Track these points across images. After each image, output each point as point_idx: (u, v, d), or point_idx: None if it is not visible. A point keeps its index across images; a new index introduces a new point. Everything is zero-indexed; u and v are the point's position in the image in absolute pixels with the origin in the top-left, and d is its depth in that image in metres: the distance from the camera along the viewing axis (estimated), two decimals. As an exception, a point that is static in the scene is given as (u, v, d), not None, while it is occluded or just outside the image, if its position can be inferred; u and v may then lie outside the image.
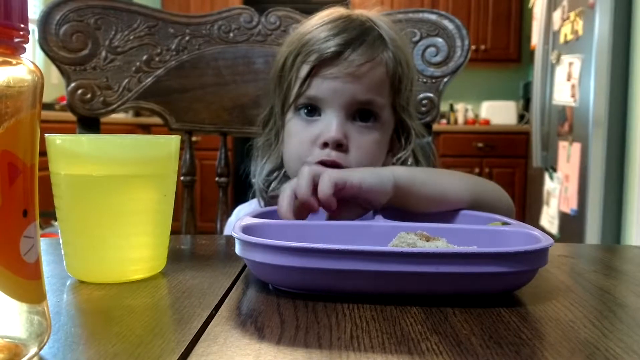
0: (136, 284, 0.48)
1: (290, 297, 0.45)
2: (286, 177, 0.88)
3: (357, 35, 0.79)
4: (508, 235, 0.54)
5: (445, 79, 1.03)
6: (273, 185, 0.88)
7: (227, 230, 0.96)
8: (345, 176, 0.62)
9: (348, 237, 0.56)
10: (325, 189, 0.60)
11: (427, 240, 0.52)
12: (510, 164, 4.15)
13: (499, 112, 4.47)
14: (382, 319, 0.40)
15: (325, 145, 0.77)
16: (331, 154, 0.77)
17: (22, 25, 0.32)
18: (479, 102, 4.65)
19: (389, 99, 0.82)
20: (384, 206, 0.66)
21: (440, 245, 0.51)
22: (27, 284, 0.31)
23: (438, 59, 1.03)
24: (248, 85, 1.06)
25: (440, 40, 1.03)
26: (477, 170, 4.12)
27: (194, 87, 1.05)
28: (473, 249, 0.46)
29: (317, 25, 0.82)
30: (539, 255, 0.45)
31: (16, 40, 0.32)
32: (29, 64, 0.33)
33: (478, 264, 0.43)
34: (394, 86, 0.82)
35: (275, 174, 0.89)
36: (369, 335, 0.37)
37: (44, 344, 0.32)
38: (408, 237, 0.52)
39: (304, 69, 0.80)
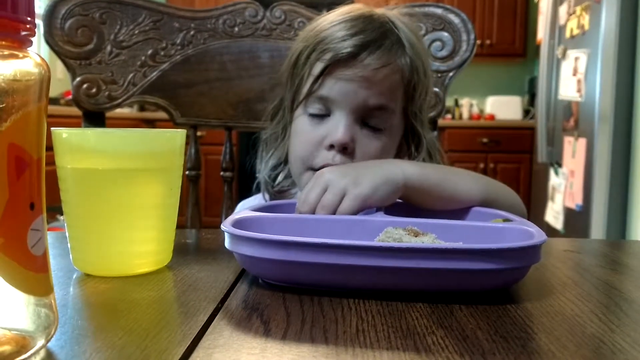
0: (142, 278, 0.49)
1: (296, 291, 0.45)
2: (290, 174, 0.87)
3: (376, 37, 0.77)
4: (502, 231, 0.53)
5: (451, 74, 1.03)
6: (279, 179, 0.88)
7: None
8: (366, 200, 0.62)
9: (343, 232, 0.56)
10: (346, 213, 0.61)
11: (415, 236, 0.51)
12: (515, 159, 4.13)
13: (504, 107, 4.46)
14: (387, 313, 0.40)
15: (331, 147, 0.77)
16: (336, 158, 0.76)
17: (28, 19, 0.32)
18: (484, 97, 4.64)
19: (401, 105, 0.81)
20: None
21: (426, 240, 0.50)
22: (35, 276, 0.32)
23: (444, 53, 1.03)
24: (253, 80, 1.06)
25: (445, 34, 1.03)
26: (482, 165, 4.10)
27: (199, 81, 1.05)
28: (456, 245, 0.46)
29: (335, 22, 0.80)
30: (525, 253, 0.44)
31: (23, 33, 0.32)
32: (36, 57, 0.33)
33: (458, 260, 0.42)
34: (408, 93, 0.81)
35: (280, 168, 0.88)
36: (375, 329, 0.37)
37: (51, 337, 0.33)
38: (395, 232, 0.52)
39: (318, 67, 0.78)
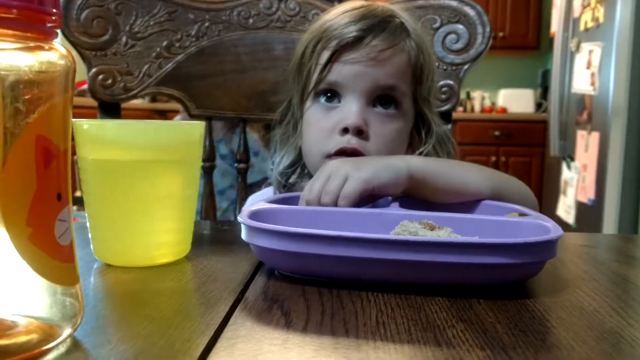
0: (162, 268, 0.49)
1: (314, 283, 0.45)
2: (303, 170, 0.87)
3: (379, 22, 0.78)
4: (518, 226, 0.53)
5: (466, 67, 1.02)
6: (293, 178, 0.88)
7: None
8: (367, 182, 0.62)
9: (359, 224, 0.56)
10: (347, 203, 0.61)
11: (431, 229, 0.51)
12: (527, 152, 4.11)
13: (516, 100, 4.43)
14: (406, 306, 0.41)
15: (345, 131, 0.77)
16: (351, 141, 0.76)
17: (54, 10, 0.33)
18: (497, 89, 4.61)
19: (410, 88, 0.81)
20: (401, 194, 0.66)
21: (442, 234, 0.50)
22: (62, 266, 0.32)
23: (459, 45, 1.02)
24: (267, 71, 1.06)
25: (461, 27, 1.02)
26: (493, 158, 4.09)
27: (214, 73, 1.06)
28: (473, 239, 0.46)
29: (338, 14, 0.81)
30: (541, 247, 0.44)
31: (49, 25, 0.33)
32: (61, 49, 0.33)
33: (474, 254, 0.42)
34: (416, 75, 0.81)
35: (293, 167, 0.88)
36: (395, 322, 0.37)
37: (78, 326, 0.33)
38: (410, 226, 0.52)
39: (325, 55, 0.79)
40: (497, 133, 4.13)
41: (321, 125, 0.79)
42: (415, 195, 0.66)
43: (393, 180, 0.64)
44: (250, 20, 1.06)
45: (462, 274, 0.43)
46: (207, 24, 1.05)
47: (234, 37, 1.05)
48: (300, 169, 0.88)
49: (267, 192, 0.93)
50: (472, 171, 0.70)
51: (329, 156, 0.78)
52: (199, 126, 0.52)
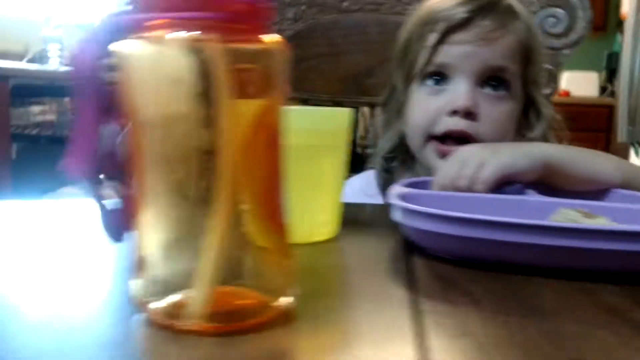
0: (322, 245, 0.51)
1: (474, 266, 0.46)
2: (405, 154, 0.88)
3: (487, 3, 0.78)
4: None
5: (566, 51, 1.02)
6: (394, 163, 0.89)
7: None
8: (506, 167, 0.63)
9: (503, 210, 0.56)
10: (485, 189, 0.62)
11: (589, 217, 0.52)
12: (590, 138, 3.99)
13: (580, 84, 4.31)
14: (576, 290, 0.41)
15: (454, 113, 0.77)
16: (459, 123, 0.77)
17: (269, 2, 0.35)
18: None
19: (519, 70, 0.81)
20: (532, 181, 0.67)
21: (602, 223, 0.51)
22: (283, 241, 0.35)
23: (558, 29, 1.02)
24: (361, 54, 1.07)
25: (560, 10, 1.01)
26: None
27: (309, 56, 1.08)
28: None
29: None
30: None
31: (266, 18, 0.35)
32: (279, 40, 0.35)
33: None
34: (525, 57, 0.81)
35: (395, 152, 0.89)
36: (573, 307, 0.38)
37: (290, 296, 0.35)
38: (569, 213, 0.52)
39: (432, 37, 0.79)
40: (559, 117, 4.03)
41: (428, 107, 0.80)
42: (545, 183, 0.67)
43: (530, 168, 0.64)
44: (345, 3, 1.07)
45: (628, 261, 0.44)
46: (303, 8, 1.07)
47: (329, 19, 1.07)
48: (402, 153, 0.89)
49: (363, 176, 0.95)
50: (603, 160, 0.70)
51: (435, 138, 0.79)
52: (349, 113, 0.54)
